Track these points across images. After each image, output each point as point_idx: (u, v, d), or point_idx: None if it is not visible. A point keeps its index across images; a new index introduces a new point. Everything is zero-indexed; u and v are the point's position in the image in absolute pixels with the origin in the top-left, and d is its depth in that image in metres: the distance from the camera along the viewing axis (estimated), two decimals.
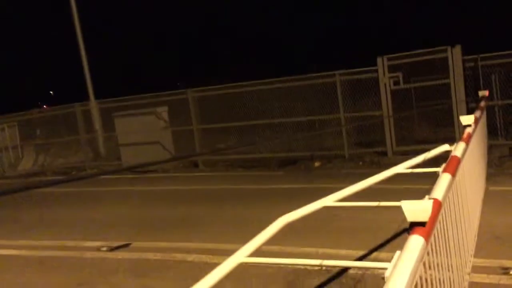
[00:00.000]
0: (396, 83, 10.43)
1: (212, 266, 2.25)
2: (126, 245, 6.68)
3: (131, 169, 12.36)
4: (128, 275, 5.63)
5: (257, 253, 2.43)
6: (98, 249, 6.68)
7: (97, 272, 5.83)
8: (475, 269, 4.01)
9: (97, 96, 15.66)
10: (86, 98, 15.78)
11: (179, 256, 6.04)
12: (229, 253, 2.34)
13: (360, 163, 10.62)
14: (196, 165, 12.79)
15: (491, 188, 7.16)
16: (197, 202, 8.97)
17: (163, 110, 13.05)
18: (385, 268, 1.60)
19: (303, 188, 8.97)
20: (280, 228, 2.70)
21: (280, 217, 2.83)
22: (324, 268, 4.65)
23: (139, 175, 12.44)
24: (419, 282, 1.68)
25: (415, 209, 1.81)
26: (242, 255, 2.31)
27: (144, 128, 12.83)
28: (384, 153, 10.68)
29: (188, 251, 6.15)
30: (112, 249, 6.60)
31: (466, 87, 9.99)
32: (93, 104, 15.25)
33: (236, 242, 2.52)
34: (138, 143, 12.82)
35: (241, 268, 2.37)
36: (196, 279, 2.15)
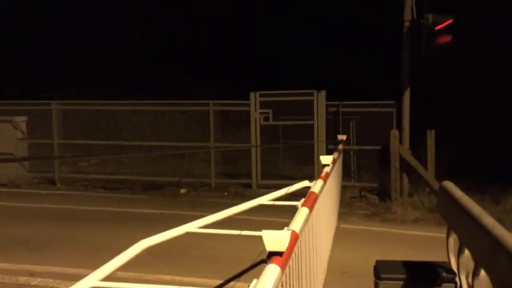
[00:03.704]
0: (266, 119, 10.91)
1: None
2: None
3: None
4: None
5: (111, 278, 2.29)
6: None
7: None
8: None
9: None
10: None
11: (22, 279, 5.53)
12: (79, 278, 2.17)
13: (226, 193, 10.79)
14: (52, 182, 11.90)
15: (342, 225, 7.73)
16: (48, 222, 8.28)
17: (22, 120, 12.02)
18: None
19: (167, 214, 8.81)
20: (138, 252, 2.60)
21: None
22: None
23: None
24: None
25: (274, 239, 1.86)
26: (94, 278, 2.15)
27: None
28: (249, 185, 10.99)
29: (33, 274, 5.65)
30: None
31: (327, 129, 10.79)
32: None
33: (89, 267, 2.36)
34: None
35: None
36: None
